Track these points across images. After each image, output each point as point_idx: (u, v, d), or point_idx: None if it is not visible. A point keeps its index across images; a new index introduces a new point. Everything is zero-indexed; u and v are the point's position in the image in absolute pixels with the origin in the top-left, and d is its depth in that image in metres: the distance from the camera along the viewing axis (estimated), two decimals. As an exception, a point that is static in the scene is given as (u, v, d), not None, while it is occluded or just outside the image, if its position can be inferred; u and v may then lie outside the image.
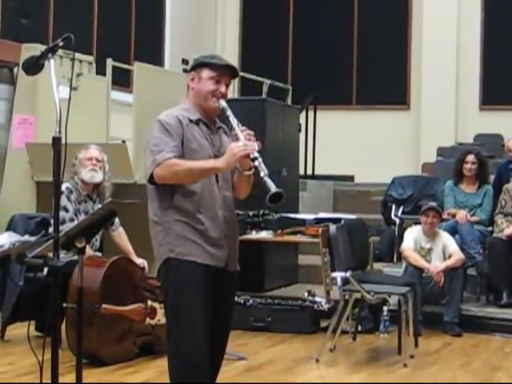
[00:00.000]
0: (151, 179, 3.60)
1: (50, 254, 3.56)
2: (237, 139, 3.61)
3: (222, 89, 3.73)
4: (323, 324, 6.95)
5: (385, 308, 6.98)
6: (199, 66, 3.76)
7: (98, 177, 6.26)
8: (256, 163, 3.54)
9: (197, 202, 3.62)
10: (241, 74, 12.79)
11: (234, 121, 3.67)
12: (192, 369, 3.59)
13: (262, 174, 3.52)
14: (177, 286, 3.60)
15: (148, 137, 3.67)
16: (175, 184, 3.61)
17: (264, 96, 10.67)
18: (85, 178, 6.22)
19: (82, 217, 5.99)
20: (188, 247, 3.60)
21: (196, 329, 3.57)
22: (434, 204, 7.44)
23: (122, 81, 10.38)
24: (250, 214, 7.19)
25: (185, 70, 9.60)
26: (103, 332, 5.60)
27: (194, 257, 3.60)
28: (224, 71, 3.74)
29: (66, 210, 6.09)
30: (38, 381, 3.72)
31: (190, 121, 3.69)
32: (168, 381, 3.73)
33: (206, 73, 3.72)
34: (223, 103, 3.72)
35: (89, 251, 5.85)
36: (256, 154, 3.56)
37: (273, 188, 3.48)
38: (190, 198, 3.62)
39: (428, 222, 7.21)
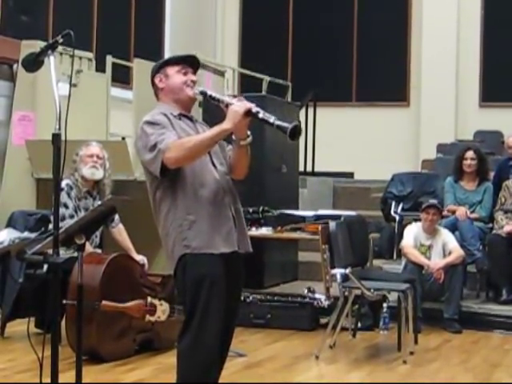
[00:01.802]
0: (163, 171, 3.53)
1: (50, 251, 3.56)
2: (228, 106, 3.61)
3: (192, 77, 3.79)
4: (323, 321, 6.95)
5: (384, 305, 6.97)
6: (160, 67, 3.81)
7: (98, 174, 6.26)
8: (260, 115, 3.55)
9: (203, 191, 3.60)
10: (240, 70, 12.80)
11: (218, 95, 3.70)
12: (202, 373, 3.55)
13: (271, 120, 3.52)
14: (194, 283, 3.55)
15: (139, 141, 3.64)
16: (180, 179, 3.58)
17: (264, 93, 10.65)
18: (85, 174, 6.22)
19: (81, 213, 5.99)
20: (203, 239, 3.57)
21: (211, 332, 3.54)
22: (434, 201, 7.44)
23: (122, 78, 10.37)
24: (250, 210, 7.18)
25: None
26: (103, 329, 5.60)
27: (210, 248, 3.58)
28: (186, 62, 3.80)
29: (66, 207, 6.09)
30: (38, 377, 3.72)
31: (174, 116, 3.71)
32: (168, 377, 3.73)
33: (170, 69, 3.78)
34: (199, 88, 3.77)
35: (89, 248, 5.85)
36: (257, 108, 3.57)
37: (289, 125, 3.48)
38: (196, 189, 3.60)
39: (428, 220, 7.21)
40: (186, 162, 3.57)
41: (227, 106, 3.60)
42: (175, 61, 3.81)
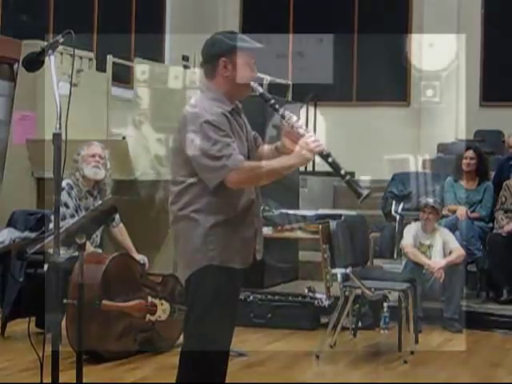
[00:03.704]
0: (220, 184, 3.30)
1: (51, 250, 3.56)
2: (297, 133, 3.42)
3: (255, 74, 3.50)
4: (323, 320, 6.94)
5: (385, 304, 6.97)
6: (231, 48, 3.43)
7: (100, 173, 6.26)
8: (330, 159, 3.37)
9: (239, 201, 3.41)
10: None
11: (284, 111, 3.46)
12: (210, 378, 3.45)
13: (342, 172, 3.36)
14: (211, 294, 3.38)
15: (197, 139, 3.30)
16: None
17: (264, 92, 10.64)
18: (88, 174, 6.21)
19: (82, 213, 5.99)
20: (229, 253, 3.39)
21: (221, 341, 3.44)
22: (430, 200, 7.40)
23: (123, 77, 10.37)
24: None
25: (185, 67, 9.59)
26: (103, 328, 5.59)
27: (234, 263, 3.43)
28: (255, 54, 3.51)
29: (67, 206, 6.09)
30: (39, 377, 3.72)
31: (229, 113, 3.41)
32: (168, 376, 3.72)
33: (240, 57, 3.44)
34: (259, 88, 3.47)
35: (89, 247, 5.85)
36: (328, 150, 3.40)
37: (363, 191, 3.36)
38: (234, 197, 3.39)
39: (424, 218, 7.20)
40: (246, 186, 3.40)
41: (291, 126, 3.41)
42: (250, 51, 3.48)
